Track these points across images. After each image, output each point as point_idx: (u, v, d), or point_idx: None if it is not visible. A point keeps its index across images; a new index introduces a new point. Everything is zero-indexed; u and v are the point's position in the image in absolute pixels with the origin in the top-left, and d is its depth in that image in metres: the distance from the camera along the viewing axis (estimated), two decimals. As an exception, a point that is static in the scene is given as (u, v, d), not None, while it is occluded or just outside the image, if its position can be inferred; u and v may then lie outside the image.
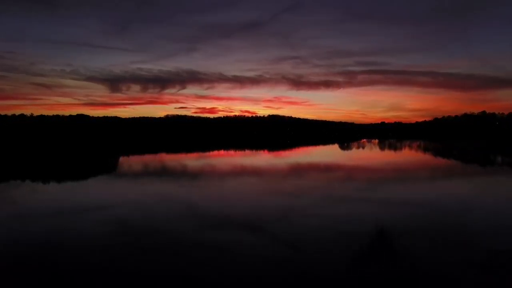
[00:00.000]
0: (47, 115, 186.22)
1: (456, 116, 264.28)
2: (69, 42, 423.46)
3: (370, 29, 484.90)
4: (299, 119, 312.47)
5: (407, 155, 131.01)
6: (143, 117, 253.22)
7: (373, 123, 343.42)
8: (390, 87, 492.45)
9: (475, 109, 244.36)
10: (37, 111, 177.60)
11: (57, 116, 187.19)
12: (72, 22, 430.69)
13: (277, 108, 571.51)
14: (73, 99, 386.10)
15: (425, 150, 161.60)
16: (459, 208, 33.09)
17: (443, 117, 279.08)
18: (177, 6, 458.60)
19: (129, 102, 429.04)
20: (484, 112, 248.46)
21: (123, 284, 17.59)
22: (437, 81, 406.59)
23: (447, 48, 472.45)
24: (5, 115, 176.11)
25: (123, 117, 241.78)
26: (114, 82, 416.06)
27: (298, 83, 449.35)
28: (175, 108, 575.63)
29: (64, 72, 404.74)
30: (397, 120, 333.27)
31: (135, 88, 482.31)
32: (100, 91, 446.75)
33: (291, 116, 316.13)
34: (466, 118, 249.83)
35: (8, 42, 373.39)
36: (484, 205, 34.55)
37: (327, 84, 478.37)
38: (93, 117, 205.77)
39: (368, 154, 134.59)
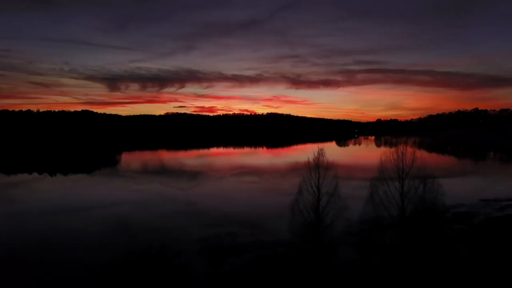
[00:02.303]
0: (54, 111, 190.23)
1: (450, 113, 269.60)
2: (67, 41, 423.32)
3: (369, 28, 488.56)
4: (297, 117, 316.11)
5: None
6: (144, 115, 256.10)
7: (372, 121, 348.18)
8: (389, 85, 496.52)
9: (472, 108, 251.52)
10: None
11: (63, 112, 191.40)
12: (69, 20, 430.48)
13: (276, 107, 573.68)
14: (72, 98, 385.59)
15: (416, 144, 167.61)
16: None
17: (438, 114, 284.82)
18: (175, 4, 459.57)
19: (128, 101, 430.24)
20: (476, 109, 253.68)
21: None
22: (436, 79, 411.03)
23: (445, 46, 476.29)
24: (13, 111, 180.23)
25: (123, 115, 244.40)
26: (113, 81, 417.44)
27: (297, 82, 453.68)
28: (174, 107, 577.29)
29: (63, 71, 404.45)
30: (395, 118, 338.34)
31: (134, 87, 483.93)
32: (98, 90, 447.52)
33: (289, 114, 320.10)
34: (460, 115, 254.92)
35: (6, 40, 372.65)
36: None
37: (326, 83, 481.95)
38: (97, 113, 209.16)
39: (363, 152, 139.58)
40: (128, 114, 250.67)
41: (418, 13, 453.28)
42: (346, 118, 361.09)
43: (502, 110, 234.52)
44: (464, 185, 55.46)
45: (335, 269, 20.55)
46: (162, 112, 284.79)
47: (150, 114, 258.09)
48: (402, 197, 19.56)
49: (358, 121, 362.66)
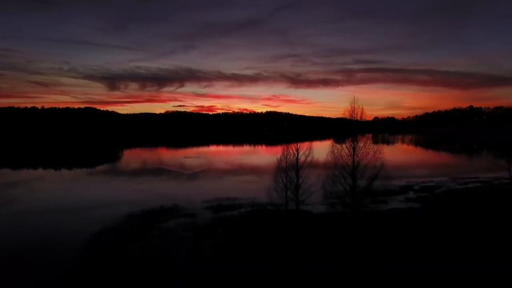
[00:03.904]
0: (58, 108, 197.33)
1: (446, 111, 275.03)
2: (66, 40, 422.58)
3: (368, 27, 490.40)
4: (296, 115, 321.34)
5: (393, 147, 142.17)
6: (145, 113, 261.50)
7: (369, 120, 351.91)
8: (389, 85, 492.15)
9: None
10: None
11: (68, 109, 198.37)
12: (69, 20, 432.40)
13: (276, 106, 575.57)
14: (71, 98, 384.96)
15: (409, 141, 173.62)
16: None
17: (434, 112, 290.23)
18: (175, 4, 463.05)
19: (128, 100, 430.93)
20: (471, 106, 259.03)
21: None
22: (435, 79, 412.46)
23: (445, 46, 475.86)
24: (18, 108, 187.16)
25: (123, 114, 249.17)
26: (112, 80, 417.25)
27: (296, 81, 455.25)
28: (174, 106, 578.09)
29: (62, 70, 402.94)
30: (392, 116, 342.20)
31: (133, 86, 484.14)
32: (98, 89, 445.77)
33: (288, 112, 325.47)
34: (455, 113, 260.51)
35: (6, 40, 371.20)
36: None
37: (325, 82, 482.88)
38: (101, 110, 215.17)
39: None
40: (128, 113, 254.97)
41: (418, 13, 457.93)
42: (344, 117, 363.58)
43: (496, 108, 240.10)
44: (443, 170, 60.83)
45: (306, 215, 26.32)
46: (162, 111, 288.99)
47: (150, 112, 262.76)
48: (353, 173, 24.72)
49: (356, 119, 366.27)
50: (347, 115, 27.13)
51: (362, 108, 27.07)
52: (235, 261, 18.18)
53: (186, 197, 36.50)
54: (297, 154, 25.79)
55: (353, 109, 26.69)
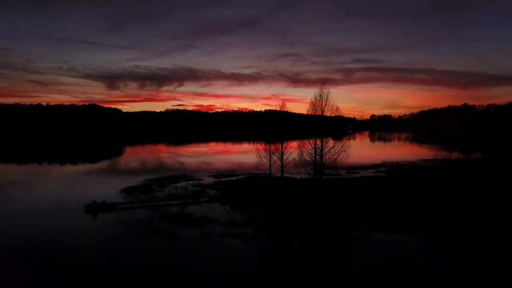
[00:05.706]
0: (63, 104, 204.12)
1: (441, 109, 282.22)
2: (65, 39, 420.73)
3: (367, 27, 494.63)
4: (294, 114, 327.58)
5: (385, 143, 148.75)
6: (145, 111, 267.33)
7: (366, 119, 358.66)
8: (388, 84, 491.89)
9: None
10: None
11: (72, 105, 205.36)
12: (68, 19, 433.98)
13: (275, 106, 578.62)
14: (71, 97, 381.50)
15: (404, 138, 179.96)
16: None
17: (429, 109, 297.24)
18: (174, 3, 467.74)
19: (127, 99, 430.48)
20: (465, 104, 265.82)
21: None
22: (434, 78, 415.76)
23: (445, 45, 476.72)
24: (23, 105, 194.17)
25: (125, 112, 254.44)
26: (112, 79, 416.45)
27: (296, 80, 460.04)
28: (173, 105, 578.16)
29: (61, 69, 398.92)
30: (389, 115, 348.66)
31: (133, 85, 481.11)
32: (97, 89, 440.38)
33: (287, 111, 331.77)
34: (450, 111, 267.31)
35: (5, 39, 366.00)
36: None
37: (324, 82, 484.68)
38: (104, 107, 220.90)
39: (357, 146, 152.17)
40: (128, 111, 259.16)
41: (418, 12, 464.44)
42: (344, 115, 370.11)
43: (489, 106, 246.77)
44: (419, 156, 67.02)
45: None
46: (162, 110, 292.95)
47: (150, 111, 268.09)
48: (320, 156, 31.23)
49: (354, 117, 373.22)
50: (310, 111, 30.12)
51: (325, 103, 29.37)
52: (229, 199, 24.94)
53: (192, 171, 43.17)
54: (282, 146, 33.08)
55: (315, 104, 29.57)
